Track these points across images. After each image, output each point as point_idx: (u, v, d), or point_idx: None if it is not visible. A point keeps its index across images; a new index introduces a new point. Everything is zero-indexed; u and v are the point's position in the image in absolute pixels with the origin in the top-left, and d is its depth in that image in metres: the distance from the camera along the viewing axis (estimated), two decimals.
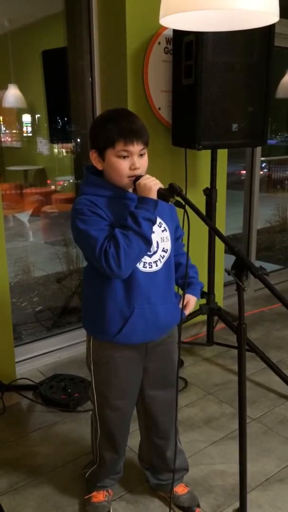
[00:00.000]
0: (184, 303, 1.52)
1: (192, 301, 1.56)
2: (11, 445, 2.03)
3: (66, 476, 1.85)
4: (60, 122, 3.06)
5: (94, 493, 1.68)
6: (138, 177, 1.34)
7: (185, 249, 1.62)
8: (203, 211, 2.55)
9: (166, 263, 1.43)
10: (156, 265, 1.41)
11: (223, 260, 3.04)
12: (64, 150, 3.93)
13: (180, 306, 1.50)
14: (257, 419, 2.20)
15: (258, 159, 3.49)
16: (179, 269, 1.56)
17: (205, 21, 1.32)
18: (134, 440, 1.76)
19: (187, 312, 1.54)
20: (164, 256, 1.43)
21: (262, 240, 4.55)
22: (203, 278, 2.67)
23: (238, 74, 2.28)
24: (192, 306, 1.56)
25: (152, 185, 1.32)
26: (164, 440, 1.63)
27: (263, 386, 2.47)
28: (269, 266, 4.18)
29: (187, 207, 1.32)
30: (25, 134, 4.69)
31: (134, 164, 1.34)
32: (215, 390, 2.44)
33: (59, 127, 3.10)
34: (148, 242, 1.31)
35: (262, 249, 4.47)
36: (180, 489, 1.71)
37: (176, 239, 1.53)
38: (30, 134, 4.69)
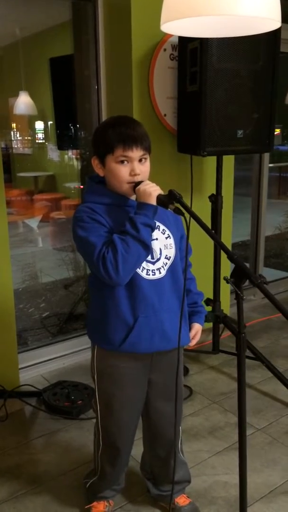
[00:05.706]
0: (193, 333, 1.54)
1: (200, 331, 1.57)
2: (12, 452, 2.02)
3: (67, 484, 1.84)
4: (67, 129, 3.08)
5: (95, 503, 1.66)
6: (138, 183, 1.33)
7: (191, 267, 1.61)
8: (209, 218, 2.54)
9: (171, 270, 1.41)
10: (160, 272, 1.39)
11: (229, 267, 3.01)
12: (74, 157, 3.95)
13: (188, 332, 1.52)
14: (263, 429, 2.16)
15: (266, 165, 3.46)
16: (188, 296, 1.54)
17: (206, 27, 1.31)
18: (136, 449, 1.73)
19: (194, 342, 1.54)
20: (167, 263, 1.41)
21: (272, 247, 4.50)
22: (208, 285, 2.67)
23: (243, 80, 2.27)
24: (199, 335, 1.57)
25: (152, 191, 1.30)
26: (168, 452, 1.60)
27: (269, 395, 2.44)
28: (278, 273, 4.13)
29: (186, 214, 1.30)
30: (36, 141, 4.73)
31: (134, 170, 1.32)
32: (220, 399, 2.40)
33: (66, 133, 3.12)
34: (147, 248, 1.29)
35: (271, 256, 4.43)
36: (181, 500, 1.68)
37: (183, 255, 1.50)
38: (41, 141, 4.73)
